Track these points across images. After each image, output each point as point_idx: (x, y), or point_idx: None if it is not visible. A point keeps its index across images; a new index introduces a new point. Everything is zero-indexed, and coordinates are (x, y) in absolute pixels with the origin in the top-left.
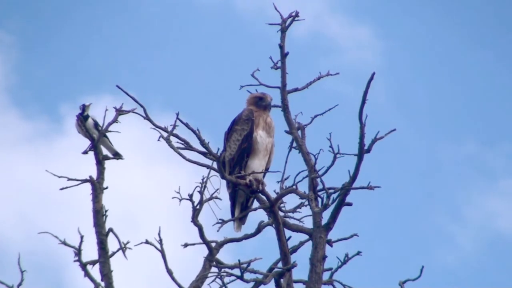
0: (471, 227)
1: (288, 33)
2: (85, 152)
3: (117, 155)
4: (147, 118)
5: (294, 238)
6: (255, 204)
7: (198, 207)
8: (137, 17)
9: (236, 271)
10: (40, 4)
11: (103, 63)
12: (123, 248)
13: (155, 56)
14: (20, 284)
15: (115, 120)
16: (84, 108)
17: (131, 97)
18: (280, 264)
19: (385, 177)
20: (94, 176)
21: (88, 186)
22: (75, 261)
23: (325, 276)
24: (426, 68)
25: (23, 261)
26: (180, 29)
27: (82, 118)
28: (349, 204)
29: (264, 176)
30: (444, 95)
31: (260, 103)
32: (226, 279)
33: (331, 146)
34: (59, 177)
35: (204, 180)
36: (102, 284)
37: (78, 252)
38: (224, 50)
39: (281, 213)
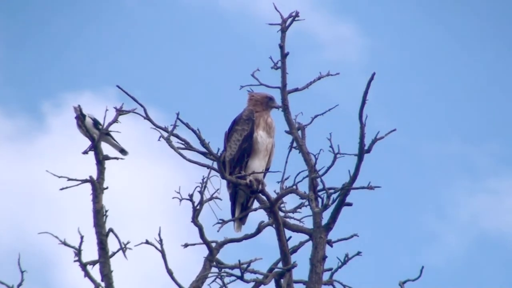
0: (457, 226)
1: (270, 31)
2: (85, 152)
3: (123, 152)
4: (147, 118)
5: (294, 238)
6: (255, 204)
7: (198, 207)
8: (121, 15)
9: (236, 271)
10: (20, 1)
11: (83, 60)
12: (123, 248)
13: (139, 55)
14: (20, 284)
15: (115, 120)
16: (80, 108)
17: (131, 97)
18: (280, 264)
19: (378, 177)
20: (94, 176)
21: (88, 186)
22: (75, 261)
23: (325, 276)
24: (410, 66)
25: (15, 261)
26: (165, 27)
27: (81, 117)
28: (349, 204)
29: (264, 176)
30: (429, 93)
31: (270, 103)
32: (226, 279)
33: (331, 146)
34: (59, 177)
35: (204, 180)
36: (102, 284)
37: (78, 252)
38: (213, 49)
39: (281, 213)
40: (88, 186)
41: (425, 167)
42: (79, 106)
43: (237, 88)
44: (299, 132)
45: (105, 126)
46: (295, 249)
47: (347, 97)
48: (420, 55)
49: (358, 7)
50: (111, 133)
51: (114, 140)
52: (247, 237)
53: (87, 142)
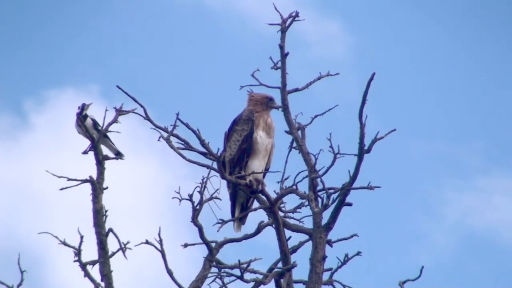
0: (446, 225)
1: (254, 28)
2: (85, 152)
3: (119, 155)
4: (147, 118)
5: (294, 238)
6: (255, 204)
7: (198, 207)
8: (105, 12)
9: (236, 271)
10: None
11: (66, 57)
12: (123, 248)
13: (124, 52)
14: (20, 284)
15: (115, 120)
16: (83, 107)
17: (131, 97)
18: (280, 264)
19: (373, 177)
20: (94, 176)
21: (88, 186)
22: (75, 261)
23: (325, 276)
24: (396, 64)
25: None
26: (150, 25)
27: (82, 117)
28: (349, 204)
29: (264, 176)
30: (416, 91)
31: (270, 104)
32: (226, 279)
33: (331, 146)
34: (59, 177)
35: (204, 180)
36: (102, 284)
37: (78, 252)
38: (210, 49)
39: (281, 213)
40: (87, 186)
41: (413, 166)
42: (83, 104)
43: (237, 88)
44: (299, 132)
45: (104, 126)
46: (295, 249)
47: (334, 94)
48: (407, 53)
49: (343, 5)
50: (109, 135)
51: (111, 142)
52: (247, 237)
53: (74, 141)
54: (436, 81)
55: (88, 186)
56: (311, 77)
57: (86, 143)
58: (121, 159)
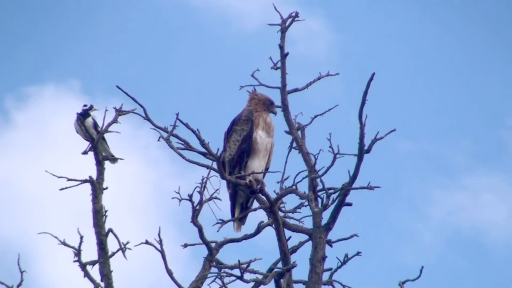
0: (432, 223)
1: (239, 26)
2: (85, 153)
3: (113, 158)
4: (147, 118)
5: (294, 238)
6: (255, 204)
7: (197, 207)
8: (87, 7)
9: (236, 271)
10: None
11: (45, 52)
12: (123, 248)
13: (105, 49)
14: (20, 284)
15: (114, 121)
16: (91, 108)
17: (131, 97)
18: (280, 264)
19: (371, 177)
20: (94, 177)
21: (88, 186)
22: (75, 261)
23: (325, 276)
24: (381, 62)
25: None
26: (135, 22)
27: (82, 117)
28: (349, 204)
29: (264, 176)
30: (401, 90)
31: (270, 108)
32: (226, 279)
33: (331, 146)
34: (59, 177)
35: (204, 180)
36: (102, 284)
37: (77, 252)
38: (207, 49)
39: (281, 213)
40: (87, 186)
41: (400, 165)
42: (91, 106)
43: (234, 87)
44: (299, 132)
45: (104, 127)
46: (294, 249)
47: (319, 91)
48: (391, 50)
49: (326, 1)
50: (109, 134)
51: (107, 146)
52: (246, 237)
53: (59, 138)
54: (421, 79)
55: (88, 186)
56: (295, 74)
57: (77, 140)
58: (115, 162)
